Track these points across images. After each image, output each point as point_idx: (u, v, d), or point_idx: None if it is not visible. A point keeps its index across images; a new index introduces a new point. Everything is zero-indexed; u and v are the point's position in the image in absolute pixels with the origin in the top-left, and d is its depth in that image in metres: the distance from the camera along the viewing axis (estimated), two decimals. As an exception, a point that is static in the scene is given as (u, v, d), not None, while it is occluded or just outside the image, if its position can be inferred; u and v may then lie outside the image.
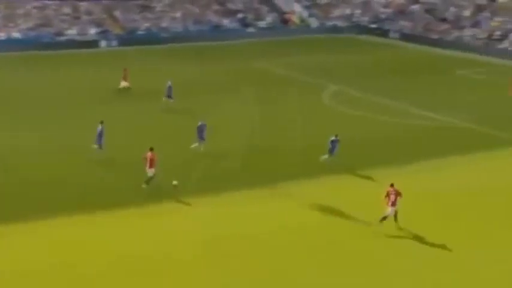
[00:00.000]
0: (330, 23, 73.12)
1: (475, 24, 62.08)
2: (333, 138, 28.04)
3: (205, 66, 51.63)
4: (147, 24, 64.85)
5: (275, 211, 23.89)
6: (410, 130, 34.00)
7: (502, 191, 25.88)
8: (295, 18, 72.76)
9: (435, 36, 63.53)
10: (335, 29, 71.54)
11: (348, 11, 74.75)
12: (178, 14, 68.01)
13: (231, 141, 31.84)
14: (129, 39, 61.58)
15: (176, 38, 63.61)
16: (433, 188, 26.03)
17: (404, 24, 68.77)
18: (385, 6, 74.58)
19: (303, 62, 53.74)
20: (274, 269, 19.86)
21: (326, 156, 28.03)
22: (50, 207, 23.60)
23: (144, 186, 25.36)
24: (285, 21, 72.41)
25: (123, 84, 41.37)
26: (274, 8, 73.94)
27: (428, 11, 69.25)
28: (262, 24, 70.75)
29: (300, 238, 21.78)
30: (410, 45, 62.67)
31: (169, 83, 38.62)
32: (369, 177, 27.23)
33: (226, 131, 33.58)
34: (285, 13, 73.34)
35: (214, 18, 69.51)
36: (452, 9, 66.77)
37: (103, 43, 60.54)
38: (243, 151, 30.40)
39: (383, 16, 72.83)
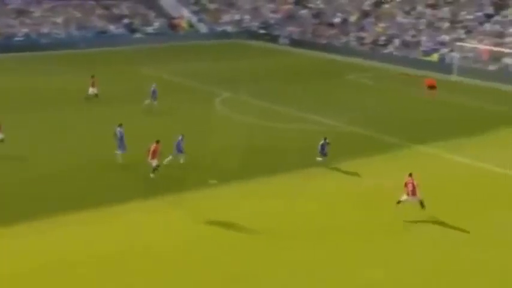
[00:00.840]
0: (219, 29, 73.29)
1: (361, 30, 64.24)
2: (322, 142, 29.39)
3: (91, 73, 50.15)
4: (25, 30, 62.18)
5: (174, 223, 23.34)
6: (301, 135, 34.41)
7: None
8: (183, 24, 72.32)
9: (323, 41, 65.17)
10: (225, 35, 71.80)
11: (237, 17, 75.23)
12: (59, 19, 65.74)
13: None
14: (6, 45, 58.87)
15: (58, 44, 61.50)
16: (327, 191, 26.41)
17: (293, 30, 70.08)
18: (274, 11, 75.71)
19: (193, 68, 53.38)
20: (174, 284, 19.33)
21: (320, 158, 29.35)
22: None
23: (152, 175, 27.37)
24: (174, 27, 71.81)
25: (92, 91, 41.13)
26: (161, 13, 73.12)
27: (316, 16, 70.97)
28: (149, 29, 69.80)
29: (200, 251, 21.33)
30: (300, 51, 63.91)
31: (154, 85, 39.80)
32: (261, 185, 27.22)
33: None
34: (173, 18, 72.73)
35: (99, 24, 67.77)
36: (339, 14, 68.77)
37: (-24, 50, 57.53)
38: (134, 161, 29.59)
39: (272, 21, 73.90)
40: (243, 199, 25.78)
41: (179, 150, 29.10)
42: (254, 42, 69.46)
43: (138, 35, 68.46)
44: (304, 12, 73.30)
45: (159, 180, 27.59)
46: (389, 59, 57.56)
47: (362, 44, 62.30)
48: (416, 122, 37.67)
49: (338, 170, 29.24)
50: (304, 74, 52.95)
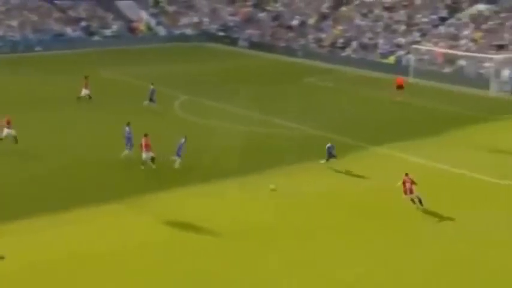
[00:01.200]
0: (178, 31, 73.35)
1: (319, 32, 65.08)
2: (329, 145, 29.86)
3: (49, 76, 49.81)
4: (-21, 33, 61.44)
5: (133, 226, 23.49)
6: (260, 138, 34.85)
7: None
8: (142, 27, 72.16)
9: (282, 44, 65.81)
10: (183, 38, 71.91)
11: (196, 19, 75.38)
12: (15, 22, 64.97)
13: (82, 155, 30.96)
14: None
15: (13, 47, 60.84)
16: (292, 193, 26.89)
17: (253, 32, 70.58)
18: (233, 14, 76.09)
19: (152, 71, 53.37)
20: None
21: (323, 161, 29.81)
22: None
23: (154, 167, 29.01)
24: (132, 30, 71.60)
25: (84, 92, 41.54)
26: (120, 16, 72.82)
27: (274, 19, 71.60)
28: (107, 32, 69.48)
29: (160, 254, 21.55)
30: (259, 53, 64.41)
31: (151, 87, 40.67)
32: (221, 187, 27.57)
33: (78, 144, 32.59)
34: (131, 21, 72.49)
35: (55, 27, 67.22)
36: (297, 17, 69.52)
37: None
38: (92, 165, 29.65)
39: (231, 24, 74.26)
40: (206, 200, 26.08)
41: (178, 153, 29.25)
42: (213, 45, 69.74)
43: (96, 38, 68.08)
44: (263, 15, 73.85)
45: (122, 183, 27.71)
46: (348, 61, 58.47)
47: (320, 47, 63.13)
48: (374, 123, 38.48)
49: (297, 172, 29.75)
50: (264, 76, 53.43)
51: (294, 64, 59.67)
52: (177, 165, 29.35)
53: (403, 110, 42.10)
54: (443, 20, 58.77)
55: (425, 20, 59.61)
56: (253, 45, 67.81)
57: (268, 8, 74.87)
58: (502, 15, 55.22)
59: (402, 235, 23.28)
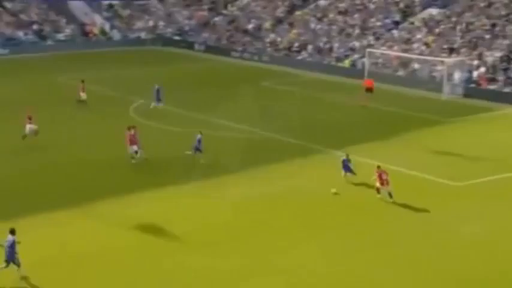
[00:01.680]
0: (133, 35, 73.13)
1: (275, 36, 65.68)
2: (344, 158, 29.20)
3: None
4: None
5: (91, 232, 23.51)
6: (216, 142, 35.08)
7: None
8: (96, 30, 71.69)
9: (239, 48, 66.21)
10: (139, 42, 71.76)
11: (151, 23, 75.24)
12: (-36, 26, 63.99)
13: (33, 160, 30.75)
14: None
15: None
16: (248, 196, 27.19)
17: (209, 36, 70.80)
18: (189, 18, 76.20)
19: (107, 75, 53.15)
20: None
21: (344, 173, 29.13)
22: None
23: (133, 161, 30.53)
24: (86, 34, 71.06)
25: (83, 95, 41.93)
26: (73, 20, 72.20)
27: (230, 22, 71.97)
28: (61, 36, 68.84)
29: (122, 259, 21.62)
30: (216, 57, 64.67)
31: (156, 86, 41.40)
32: (177, 190, 27.74)
33: (36, 148, 32.34)
34: (85, 25, 71.93)
35: (6, 31, 66.29)
36: (253, 21, 70.02)
37: None
38: (45, 170, 29.50)
39: (187, 28, 74.35)
40: (161, 205, 26.22)
41: (197, 148, 31.06)
42: (169, 49, 69.72)
43: (49, 42, 67.39)
44: (218, 19, 74.17)
45: (80, 188, 27.66)
46: (304, 65, 59.20)
47: (276, 50, 63.73)
48: (330, 126, 39.11)
49: (254, 176, 30.08)
50: (220, 80, 53.73)
51: (250, 68, 60.10)
52: (202, 160, 31.03)
53: (359, 113, 42.87)
54: (396, 24, 60.00)
55: (379, 24, 60.76)
56: (209, 49, 68.05)
57: (224, 11, 75.24)
58: (453, 19, 56.67)
59: (356, 236, 23.79)
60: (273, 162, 31.79)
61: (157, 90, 41.75)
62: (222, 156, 32.71)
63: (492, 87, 48.01)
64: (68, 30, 69.85)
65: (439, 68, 50.92)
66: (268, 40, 65.48)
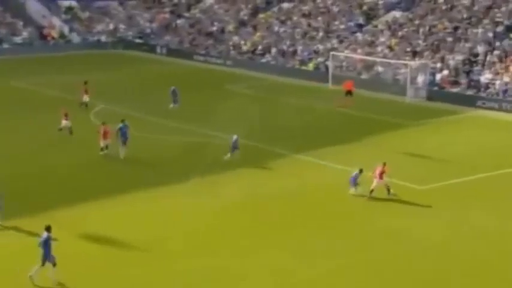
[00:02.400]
0: (93, 38, 72.44)
1: (239, 39, 65.74)
2: (357, 172, 28.55)
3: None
4: None
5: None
6: (179, 147, 34.95)
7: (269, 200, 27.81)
8: (54, 34, 70.79)
9: (202, 51, 66.08)
10: (99, 45, 71.11)
11: (111, 26, 74.63)
12: None
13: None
14: None
15: None
16: (210, 205, 27.12)
17: (171, 39, 70.52)
18: (150, 21, 75.79)
19: (67, 80, 52.50)
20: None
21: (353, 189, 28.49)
22: None
23: (101, 153, 32.51)
24: (44, 37, 70.12)
25: (85, 98, 42.60)
26: (30, 22, 71.18)
27: (193, 25, 71.80)
28: (17, 39, 67.86)
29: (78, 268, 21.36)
30: (178, 61, 64.43)
31: (172, 88, 42.75)
32: (137, 197, 27.54)
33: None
34: (43, 28, 70.98)
35: (-39, 34, 65.13)
36: (216, 23, 69.98)
37: None
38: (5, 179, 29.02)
39: (148, 31, 73.95)
40: (120, 211, 26.00)
41: (235, 147, 32.50)
42: (131, 52, 69.24)
43: (5, 45, 66.35)
44: (181, 21, 73.92)
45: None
46: (267, 68, 59.35)
47: (240, 54, 63.79)
48: (295, 130, 39.24)
49: (219, 180, 30.03)
50: (183, 84, 53.29)
51: (214, 71, 60.02)
52: (237, 155, 32.43)
53: (323, 117, 43.13)
54: (360, 26, 60.59)
55: (343, 26, 61.28)
56: (172, 52, 67.78)
57: (186, 14, 75.05)
58: (416, 22, 57.45)
59: (322, 242, 23.90)
60: (236, 167, 31.74)
61: (173, 91, 42.53)
62: (182, 161, 32.54)
63: (455, 90, 48.78)
64: (25, 33, 68.86)
65: (402, 71, 51.56)
66: (231, 43, 65.50)
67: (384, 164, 28.13)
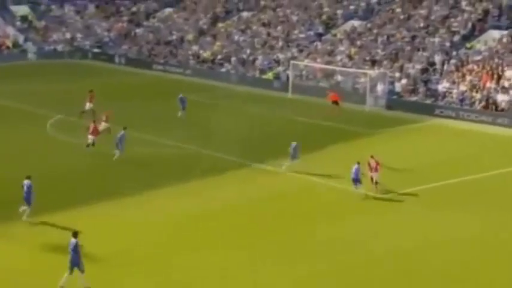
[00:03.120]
0: (49, 48, 71.73)
1: (198, 48, 65.86)
2: (356, 166, 29.39)
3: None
4: None
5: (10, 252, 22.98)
6: (138, 158, 34.87)
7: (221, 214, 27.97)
8: (8, 43, 69.88)
9: (160, 61, 66.01)
10: (55, 54, 70.45)
11: (68, 35, 74.02)
12: None
13: None
14: None
15: None
16: (165, 214, 27.12)
17: (129, 49, 70.27)
18: (108, 30, 75.40)
19: (22, 90, 51.91)
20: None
21: (356, 186, 29.53)
22: None
23: (87, 148, 34.94)
24: (-2, 46, 69.23)
25: (89, 106, 43.05)
26: (-16, 32, 70.18)
27: (152, 34, 71.66)
28: (-30, 49, 66.86)
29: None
30: (137, 70, 64.22)
31: (180, 95, 43.84)
32: (94, 210, 27.42)
33: None
34: (-3, 37, 70.08)
35: None
36: (175, 33, 70.00)
37: None
38: None
39: (106, 40, 73.56)
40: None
41: (294, 156, 32.83)
42: (88, 62, 68.78)
43: (-43, 55, 65.35)
44: (139, 30, 73.74)
45: None
46: (227, 77, 59.59)
47: (200, 63, 63.90)
48: (257, 140, 39.50)
49: (179, 192, 30.05)
50: (142, 94, 53.35)
51: (174, 81, 59.97)
52: (297, 162, 32.63)
53: (283, 126, 43.46)
54: (319, 36, 61.32)
55: (303, 36, 61.94)
56: (130, 61, 67.54)
57: (145, 23, 74.89)
58: (375, 31, 58.42)
59: (283, 250, 24.13)
60: (198, 177, 31.81)
61: (181, 99, 43.31)
62: (145, 171, 32.49)
63: (413, 99, 49.70)
64: (-21, 43, 67.92)
65: (362, 80, 52.35)
66: (191, 52, 65.58)
67: (372, 157, 29.77)
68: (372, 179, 29.79)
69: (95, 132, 35.42)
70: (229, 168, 33.68)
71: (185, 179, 31.50)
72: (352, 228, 26.36)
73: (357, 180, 29.18)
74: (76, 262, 19.97)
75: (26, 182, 26.05)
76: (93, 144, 35.19)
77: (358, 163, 29.40)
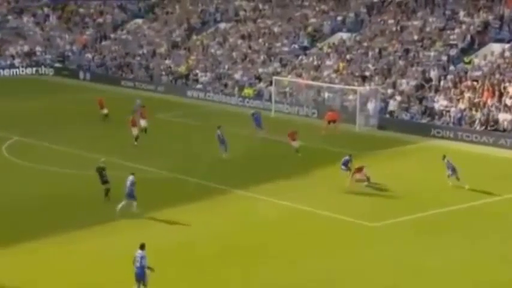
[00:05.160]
0: (5, 63, 71.40)
1: (171, 62, 65.84)
2: (347, 157, 35.54)
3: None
4: None
5: None
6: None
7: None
8: (-40, 57, 69.47)
9: (129, 76, 65.88)
10: (13, 70, 70.08)
11: (26, 48, 73.75)
12: None
13: None
14: None
15: None
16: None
17: (95, 63, 70.08)
18: (71, 43, 75.24)
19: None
20: None
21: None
22: None
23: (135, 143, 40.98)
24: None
25: (104, 111, 48.92)
26: None
27: (120, 48, 71.52)
28: None
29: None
30: (103, 86, 63.87)
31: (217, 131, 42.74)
32: (45, 243, 27.13)
33: None
34: None
35: None
36: (146, 46, 69.96)
37: None
38: None
39: (69, 54, 73.35)
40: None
41: (345, 166, 34.99)
42: (49, 78, 68.42)
43: None
44: (106, 43, 73.64)
45: None
46: (203, 94, 59.55)
47: (172, 79, 63.82)
48: (235, 162, 39.31)
49: (146, 221, 29.79)
50: (110, 113, 52.98)
51: (144, 98, 59.55)
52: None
53: (265, 147, 43.36)
54: (304, 49, 61.54)
55: (286, 49, 62.14)
56: (97, 77, 67.32)
57: (112, 35, 74.81)
58: (365, 44, 58.71)
59: (272, 278, 23.93)
60: (171, 204, 31.56)
61: (219, 136, 41.62)
62: (99, 202, 32.15)
63: (407, 118, 49.73)
64: None
65: (351, 97, 52.45)
66: (163, 67, 65.53)
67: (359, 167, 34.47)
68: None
69: (134, 123, 41.92)
70: (207, 193, 33.43)
71: (156, 206, 31.21)
72: (338, 264, 26.21)
73: (346, 167, 34.85)
74: (141, 276, 21.54)
75: None
76: (145, 130, 42.61)
77: (350, 155, 35.27)
